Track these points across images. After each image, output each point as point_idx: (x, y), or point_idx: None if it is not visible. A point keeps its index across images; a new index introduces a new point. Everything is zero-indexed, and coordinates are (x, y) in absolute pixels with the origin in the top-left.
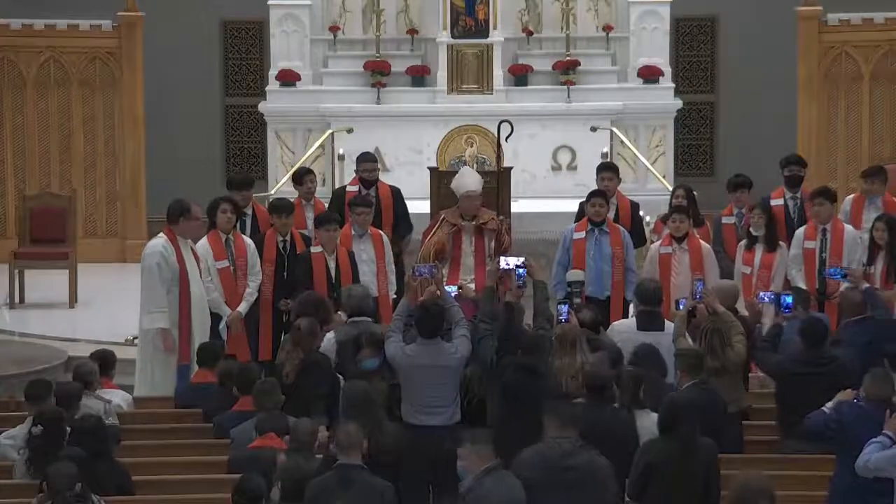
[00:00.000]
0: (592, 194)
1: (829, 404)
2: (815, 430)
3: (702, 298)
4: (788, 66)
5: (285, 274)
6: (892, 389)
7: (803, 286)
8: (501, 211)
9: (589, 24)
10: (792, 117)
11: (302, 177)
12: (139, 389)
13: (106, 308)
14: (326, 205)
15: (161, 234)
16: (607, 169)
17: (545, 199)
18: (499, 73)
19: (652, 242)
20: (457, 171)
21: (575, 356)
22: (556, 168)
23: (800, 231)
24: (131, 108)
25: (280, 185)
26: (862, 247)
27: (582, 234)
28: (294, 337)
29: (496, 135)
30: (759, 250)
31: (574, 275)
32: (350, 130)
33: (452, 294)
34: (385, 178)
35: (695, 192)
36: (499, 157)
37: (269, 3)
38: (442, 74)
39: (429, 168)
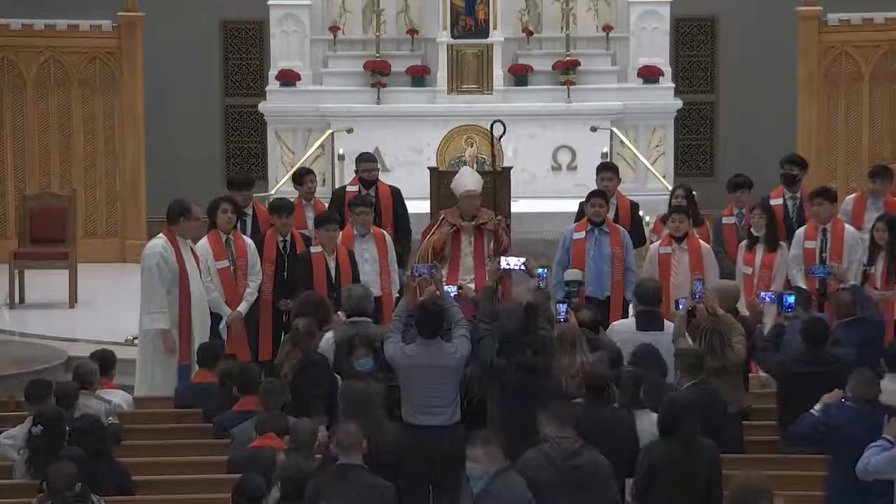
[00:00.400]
0: (592, 194)
1: (817, 406)
2: (804, 433)
3: (701, 298)
4: (788, 66)
5: (285, 274)
6: (878, 389)
7: (804, 286)
8: (501, 211)
9: (589, 24)
10: (792, 117)
11: (302, 177)
12: (139, 389)
13: (106, 308)
14: (326, 205)
15: (161, 235)
16: (607, 169)
17: (545, 199)
18: (499, 73)
19: (651, 242)
20: (457, 172)
21: (575, 356)
22: (556, 168)
23: (800, 231)
24: (131, 108)
25: (280, 185)
26: (862, 247)
27: (582, 235)
28: (292, 337)
29: (490, 134)
30: (759, 250)
31: (572, 274)
32: (350, 130)
33: (452, 294)
34: (385, 178)
35: (694, 192)
36: (494, 157)
37: (269, 3)
38: (442, 74)
39: (429, 168)
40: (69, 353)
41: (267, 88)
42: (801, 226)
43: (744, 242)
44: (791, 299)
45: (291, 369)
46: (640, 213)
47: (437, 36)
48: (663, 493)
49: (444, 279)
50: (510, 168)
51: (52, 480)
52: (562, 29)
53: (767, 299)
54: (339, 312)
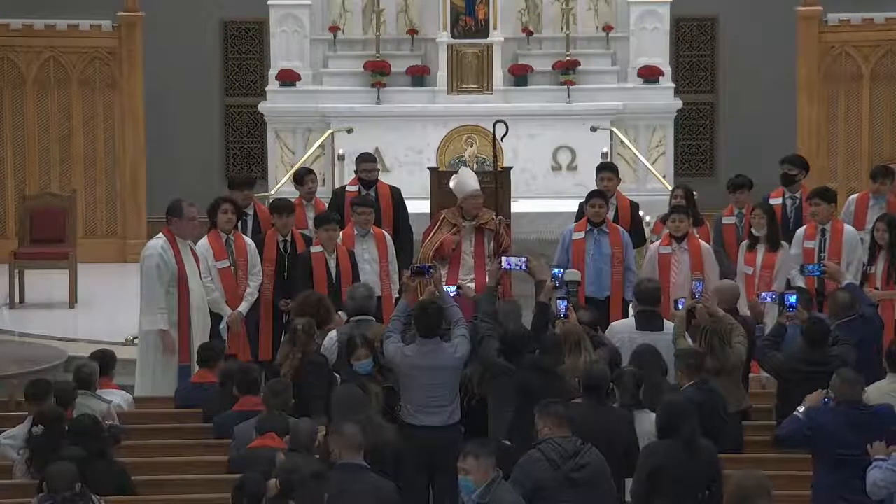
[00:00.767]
0: (591, 195)
1: (801, 409)
2: (790, 436)
3: (701, 298)
4: (788, 66)
5: (286, 274)
6: (861, 390)
7: (804, 286)
8: (501, 211)
9: (589, 24)
10: (792, 117)
11: (303, 177)
12: (139, 389)
13: (106, 308)
14: (327, 205)
15: (160, 235)
16: (607, 169)
17: (545, 199)
18: (499, 73)
19: (651, 242)
20: (456, 171)
21: (579, 356)
22: (556, 168)
23: (800, 231)
24: (131, 108)
25: (280, 184)
26: (863, 247)
27: (581, 235)
28: (292, 337)
29: (492, 134)
30: (760, 250)
31: (570, 274)
32: (350, 130)
33: (452, 294)
34: (385, 179)
35: (695, 193)
36: (496, 157)
37: (269, 3)
38: (442, 74)
39: (429, 168)
40: (69, 353)
41: (267, 88)
42: (797, 226)
43: (745, 242)
44: (793, 299)
45: (291, 369)
46: (641, 213)
47: (437, 36)
48: (665, 494)
49: (444, 279)
50: (510, 168)
51: (51, 480)
52: (562, 29)
53: (769, 299)
54: (339, 312)
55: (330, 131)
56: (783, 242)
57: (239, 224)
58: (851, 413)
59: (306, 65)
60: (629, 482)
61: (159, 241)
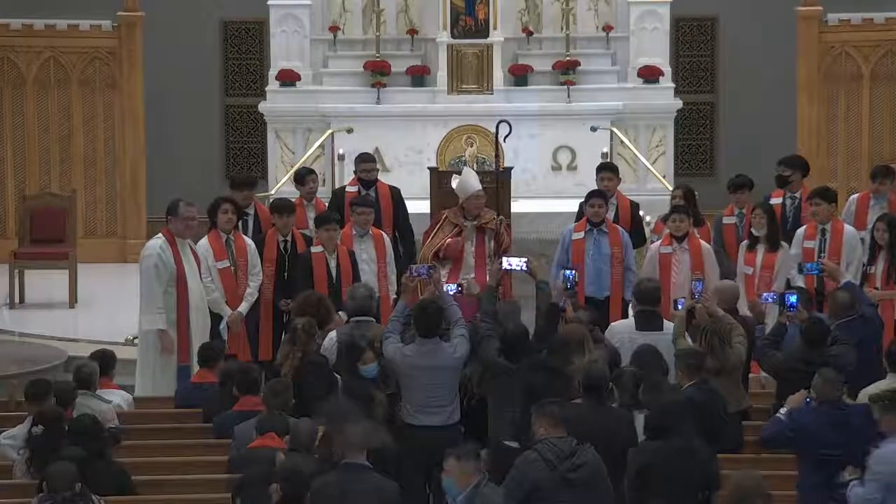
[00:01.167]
0: (591, 195)
1: (783, 410)
2: (774, 438)
3: (700, 298)
4: (788, 66)
5: (286, 274)
6: (841, 389)
7: (803, 286)
8: (501, 211)
9: (589, 23)
10: (792, 117)
11: (304, 177)
12: (139, 389)
13: (106, 308)
14: (327, 205)
15: (159, 235)
16: (607, 169)
17: (545, 199)
18: (499, 73)
19: (652, 242)
20: (456, 171)
21: (583, 356)
22: (556, 168)
23: (800, 231)
24: (131, 108)
25: (280, 184)
26: (863, 247)
27: (581, 235)
28: (292, 337)
29: (495, 135)
30: (760, 251)
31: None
32: (350, 130)
33: (452, 292)
34: (385, 179)
35: (696, 193)
36: (497, 157)
37: (269, 3)
38: (442, 74)
39: (429, 168)
40: (69, 353)
41: (267, 88)
42: (796, 226)
43: (744, 243)
44: (793, 299)
45: (291, 369)
46: (641, 212)
47: (437, 36)
48: (658, 494)
49: (444, 279)
50: (511, 168)
51: (51, 480)
52: (562, 29)
53: (770, 300)
54: (339, 313)
55: (330, 131)
56: (783, 243)
57: (240, 224)
58: (833, 413)
59: (306, 65)
60: None
61: (158, 240)
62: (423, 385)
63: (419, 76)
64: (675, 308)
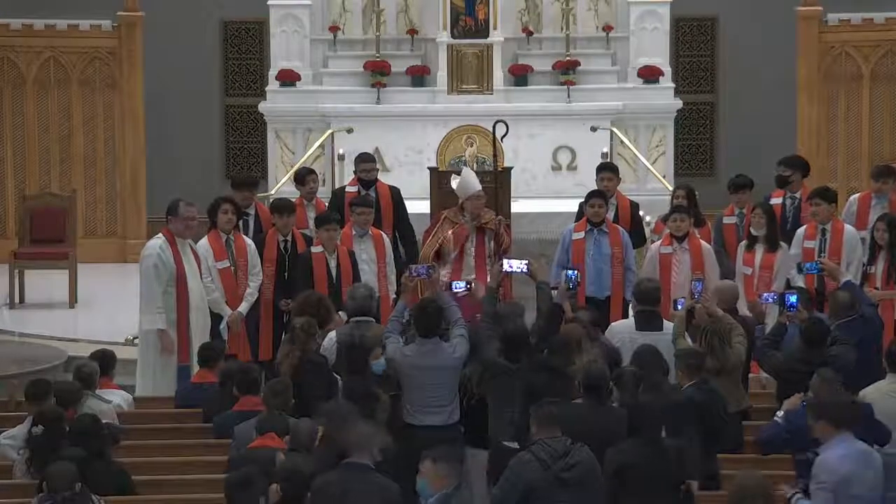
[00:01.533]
0: (591, 195)
1: (780, 413)
2: (771, 441)
3: (700, 299)
4: (788, 66)
5: (286, 274)
6: (838, 391)
7: (803, 286)
8: (501, 211)
9: (589, 24)
10: (792, 117)
11: (304, 177)
12: (139, 389)
13: (106, 308)
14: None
15: (159, 235)
16: (607, 169)
17: (545, 199)
18: (499, 73)
19: (652, 242)
20: (456, 171)
21: (581, 356)
22: (556, 168)
23: (800, 230)
24: (131, 108)
25: (280, 184)
26: (863, 247)
27: (581, 235)
28: (292, 337)
29: (493, 134)
30: (759, 251)
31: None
32: (350, 130)
33: (460, 289)
34: (385, 179)
35: (697, 193)
36: (496, 157)
37: (269, 3)
38: (442, 74)
39: (429, 168)
40: (69, 353)
41: (267, 88)
42: (796, 226)
43: (743, 243)
44: (793, 299)
45: (291, 368)
46: (641, 212)
47: (437, 36)
48: (633, 493)
49: (446, 278)
50: (510, 168)
51: (51, 480)
52: (562, 29)
53: (770, 300)
54: (339, 312)
55: (330, 131)
56: (782, 243)
57: (240, 224)
58: None
59: (306, 65)
60: None
61: (158, 240)
62: (422, 385)
63: (419, 76)
64: (675, 308)
